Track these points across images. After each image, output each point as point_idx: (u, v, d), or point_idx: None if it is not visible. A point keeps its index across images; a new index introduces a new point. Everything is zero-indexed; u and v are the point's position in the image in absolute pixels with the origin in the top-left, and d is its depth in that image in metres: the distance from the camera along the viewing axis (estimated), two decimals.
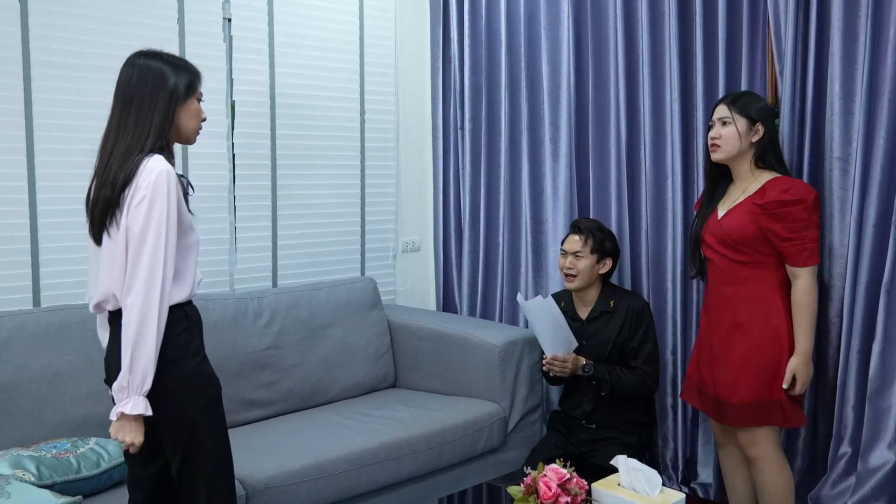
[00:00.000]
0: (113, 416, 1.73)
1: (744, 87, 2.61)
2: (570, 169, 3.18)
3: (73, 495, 1.97)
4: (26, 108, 2.53)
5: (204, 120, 1.91)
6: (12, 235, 2.54)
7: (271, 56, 3.12)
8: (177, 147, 1.94)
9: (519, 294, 2.80)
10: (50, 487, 1.99)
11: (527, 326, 3.35)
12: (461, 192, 3.60)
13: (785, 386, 2.23)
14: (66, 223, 2.62)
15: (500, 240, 3.45)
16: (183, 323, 1.80)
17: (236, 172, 3.05)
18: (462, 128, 3.55)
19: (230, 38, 3.00)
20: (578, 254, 2.73)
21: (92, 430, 2.40)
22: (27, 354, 2.37)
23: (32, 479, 1.98)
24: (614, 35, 2.98)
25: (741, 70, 2.63)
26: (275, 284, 3.21)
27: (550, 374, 2.75)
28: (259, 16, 3.08)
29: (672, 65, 2.78)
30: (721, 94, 2.65)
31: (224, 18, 2.98)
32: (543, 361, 2.73)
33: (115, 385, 1.71)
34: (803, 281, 2.23)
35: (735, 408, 2.31)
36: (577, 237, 2.75)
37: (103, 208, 1.75)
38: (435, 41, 3.64)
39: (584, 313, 2.80)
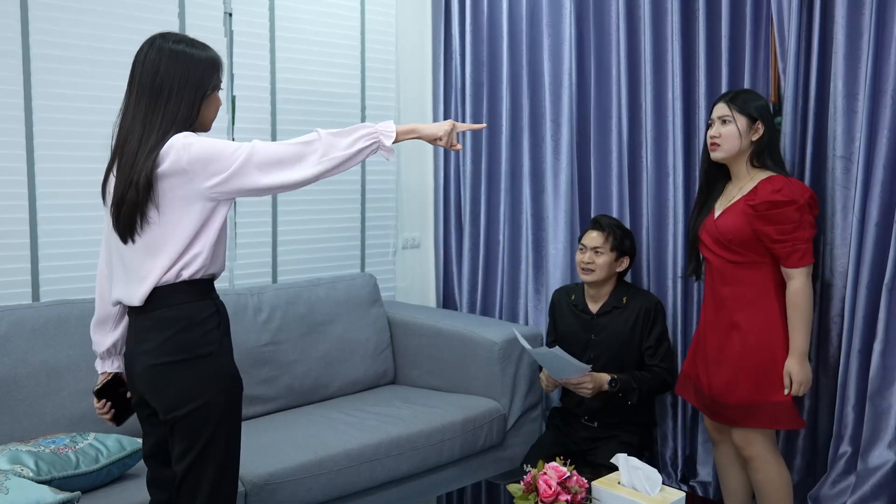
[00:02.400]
0: (389, 144, 1.83)
1: (747, 85, 2.60)
2: (572, 166, 3.17)
3: (72, 491, 1.96)
4: (26, 102, 2.52)
5: (219, 105, 1.84)
6: (12, 230, 2.53)
7: (272, 51, 3.11)
8: None
9: (520, 337, 2.66)
10: (48, 483, 1.99)
11: (527, 324, 3.35)
12: (462, 188, 3.59)
13: (786, 392, 2.22)
14: (66, 217, 2.62)
15: (501, 237, 3.44)
16: (215, 319, 1.75)
17: None
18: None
19: (231, 32, 2.99)
20: (598, 250, 2.72)
21: (91, 425, 2.39)
22: (26, 349, 2.37)
23: (31, 474, 1.97)
24: (616, 32, 2.97)
25: (744, 67, 2.62)
26: (274, 280, 3.20)
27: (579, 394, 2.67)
28: (260, 10, 3.07)
29: (674, 62, 2.77)
30: (724, 91, 2.64)
31: (225, 13, 2.98)
32: (560, 382, 2.67)
33: (358, 136, 1.78)
34: (797, 282, 2.21)
35: (730, 408, 2.31)
36: (597, 233, 2.74)
37: (130, 210, 1.67)
38: (436, 37, 3.63)
39: (594, 307, 2.80)
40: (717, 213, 2.35)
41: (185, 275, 1.71)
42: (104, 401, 1.92)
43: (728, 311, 2.32)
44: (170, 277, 1.70)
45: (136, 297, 1.72)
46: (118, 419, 1.96)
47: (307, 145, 1.73)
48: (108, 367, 1.93)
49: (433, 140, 1.93)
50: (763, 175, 2.27)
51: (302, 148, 1.73)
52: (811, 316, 2.25)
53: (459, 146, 1.97)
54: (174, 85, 1.70)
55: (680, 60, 2.76)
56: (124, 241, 1.72)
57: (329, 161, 1.74)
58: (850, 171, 2.38)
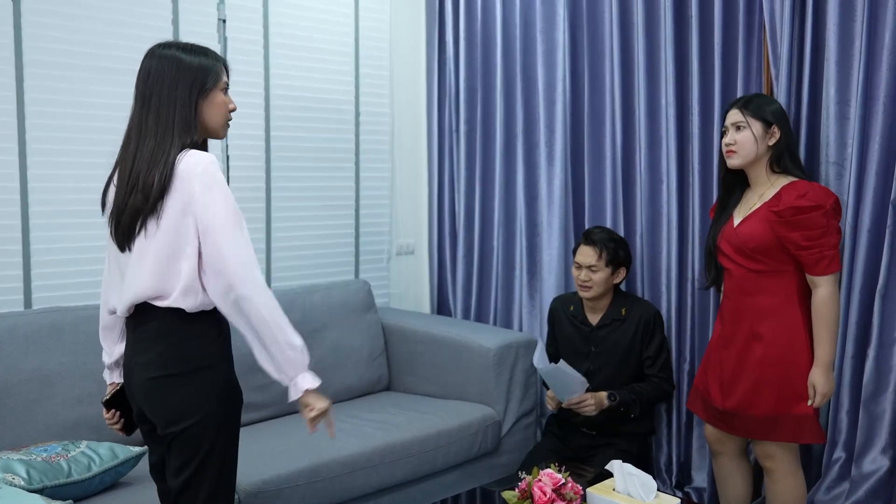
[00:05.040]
0: (295, 396, 1.74)
1: (739, 91, 2.61)
2: (566, 172, 3.17)
3: (64, 499, 1.94)
4: (18, 108, 2.51)
5: (233, 110, 1.79)
6: (4, 236, 2.51)
7: (266, 58, 3.11)
8: None
9: (539, 352, 2.63)
10: (40, 492, 1.97)
11: (521, 330, 3.35)
12: (456, 194, 3.59)
13: (809, 403, 2.17)
14: (59, 224, 2.61)
15: (495, 243, 3.44)
16: (215, 329, 1.74)
17: (230, 174, 3.03)
18: (457, 130, 3.55)
19: (225, 39, 2.99)
20: (593, 267, 2.70)
21: (83, 433, 2.38)
22: (18, 356, 2.35)
23: (22, 483, 1.96)
24: (610, 38, 2.98)
25: (737, 74, 2.63)
26: (269, 286, 3.18)
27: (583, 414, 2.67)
28: (254, 17, 3.07)
29: (668, 68, 2.78)
30: (717, 98, 2.66)
31: (219, 19, 2.97)
32: (564, 405, 2.67)
33: (273, 373, 1.73)
34: (824, 290, 2.14)
35: (751, 420, 2.26)
36: (590, 249, 2.71)
37: (133, 215, 1.65)
38: (430, 43, 3.63)
39: (594, 319, 2.79)
40: (736, 221, 2.29)
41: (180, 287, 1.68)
42: (113, 411, 1.90)
43: (749, 322, 2.25)
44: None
45: (126, 306, 1.71)
46: (128, 429, 1.93)
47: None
48: (116, 377, 1.91)
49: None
50: (784, 180, 2.21)
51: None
52: (838, 325, 2.18)
53: (333, 434, 1.88)
54: (164, 88, 1.68)
55: (673, 67, 2.77)
56: (122, 248, 1.71)
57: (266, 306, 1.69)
58: (843, 177, 2.38)
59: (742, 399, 2.26)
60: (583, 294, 2.76)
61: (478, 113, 3.46)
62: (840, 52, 2.35)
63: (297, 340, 1.72)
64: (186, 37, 2.83)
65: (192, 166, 1.64)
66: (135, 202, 1.64)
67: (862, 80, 2.30)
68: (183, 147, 1.67)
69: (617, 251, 2.73)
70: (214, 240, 1.64)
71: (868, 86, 2.31)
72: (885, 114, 2.28)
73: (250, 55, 3.07)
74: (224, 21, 2.98)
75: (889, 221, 2.27)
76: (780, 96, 2.46)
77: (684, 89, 2.79)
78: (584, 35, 3.08)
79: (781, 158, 2.23)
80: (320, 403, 1.77)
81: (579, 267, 2.74)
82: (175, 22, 2.83)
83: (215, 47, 2.92)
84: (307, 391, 1.75)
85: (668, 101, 2.80)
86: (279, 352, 1.71)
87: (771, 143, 2.23)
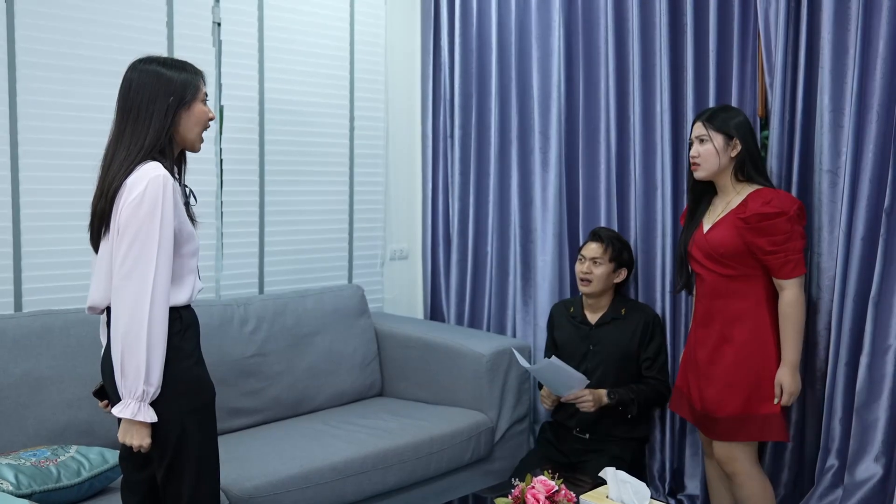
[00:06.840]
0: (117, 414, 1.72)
1: (734, 99, 2.62)
2: (560, 178, 3.17)
3: None
4: (11, 111, 2.50)
5: (212, 118, 1.88)
6: None
7: (261, 61, 3.10)
8: None
9: (518, 356, 2.71)
10: (29, 497, 1.95)
11: (515, 336, 3.34)
12: (450, 200, 3.59)
13: (776, 401, 2.25)
14: (50, 227, 2.59)
15: (489, 248, 3.44)
16: (177, 325, 1.78)
17: (224, 178, 3.02)
18: (451, 136, 3.55)
19: (219, 42, 2.98)
20: (597, 260, 2.75)
21: (73, 437, 2.37)
22: (8, 360, 2.33)
23: (10, 488, 1.94)
24: (605, 45, 2.99)
25: (731, 82, 2.64)
26: (261, 291, 3.18)
27: (581, 409, 2.68)
28: (249, 20, 3.06)
29: (663, 76, 2.79)
30: (712, 105, 2.66)
31: (213, 22, 2.96)
32: (561, 400, 2.70)
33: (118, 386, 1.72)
34: (789, 293, 2.24)
35: (722, 422, 2.32)
36: (596, 244, 2.78)
37: (99, 219, 1.77)
38: (425, 48, 3.63)
39: (593, 319, 2.82)
40: (705, 228, 2.37)
41: None
42: (106, 401, 1.93)
43: (720, 325, 2.34)
44: None
45: (88, 305, 1.82)
46: None
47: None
48: None
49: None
50: (749, 188, 2.30)
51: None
52: (803, 327, 2.27)
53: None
54: (143, 99, 1.77)
55: (668, 74, 2.77)
56: (95, 250, 1.82)
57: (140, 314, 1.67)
58: (837, 185, 2.39)
59: (712, 401, 2.34)
60: (582, 289, 2.78)
61: (472, 118, 3.46)
62: (834, 61, 2.36)
63: (142, 374, 1.68)
64: (180, 39, 2.84)
65: (142, 175, 1.72)
66: (102, 207, 1.75)
67: (856, 89, 2.31)
68: (148, 158, 1.75)
69: (622, 251, 2.79)
70: (121, 246, 1.70)
71: (862, 94, 2.32)
72: (878, 122, 2.29)
73: (245, 59, 3.06)
74: (219, 24, 2.98)
75: (882, 230, 2.28)
76: (775, 104, 2.47)
77: (679, 96, 2.79)
78: (579, 41, 3.08)
79: (744, 168, 2.32)
80: (144, 441, 1.73)
81: (583, 260, 2.78)
82: (170, 25, 2.82)
83: (210, 51, 2.93)
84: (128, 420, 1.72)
85: (662, 108, 2.80)
86: (124, 371, 1.69)
87: (733, 154, 2.31)
